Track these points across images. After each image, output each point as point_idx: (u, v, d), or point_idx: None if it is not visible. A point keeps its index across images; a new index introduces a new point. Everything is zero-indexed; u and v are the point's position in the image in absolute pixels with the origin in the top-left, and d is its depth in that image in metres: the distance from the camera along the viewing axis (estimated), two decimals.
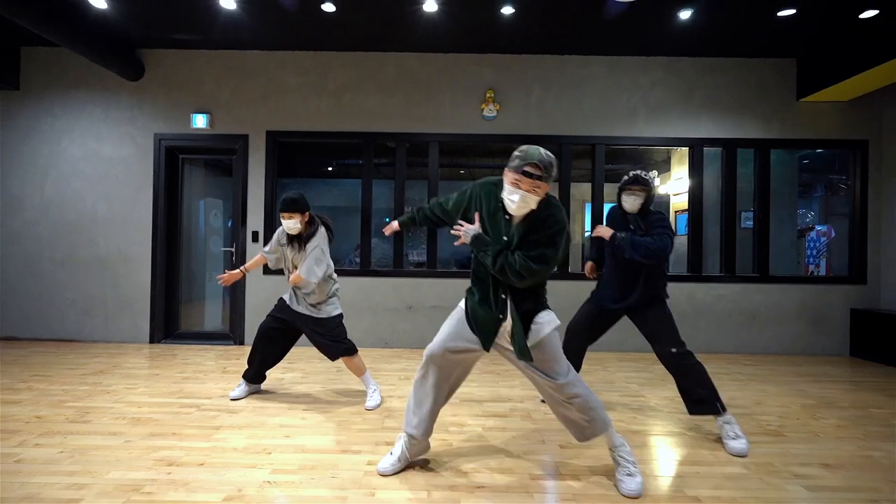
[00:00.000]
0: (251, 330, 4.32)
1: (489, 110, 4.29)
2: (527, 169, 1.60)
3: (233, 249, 4.43)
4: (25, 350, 3.92)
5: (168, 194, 4.41)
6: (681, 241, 5.62)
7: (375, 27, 3.88)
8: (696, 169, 4.41)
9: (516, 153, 1.66)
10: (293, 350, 3.12)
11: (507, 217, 1.73)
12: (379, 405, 2.70)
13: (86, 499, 1.65)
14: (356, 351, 2.73)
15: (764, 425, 2.51)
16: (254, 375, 2.84)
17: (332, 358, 2.71)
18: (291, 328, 2.75)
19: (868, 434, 2.42)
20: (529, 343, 1.74)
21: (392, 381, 3.23)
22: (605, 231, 2.40)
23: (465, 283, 1.98)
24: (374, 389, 2.77)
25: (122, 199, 4.33)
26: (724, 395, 3.04)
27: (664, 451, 2.17)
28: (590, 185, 4.44)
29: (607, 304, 2.44)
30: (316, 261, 2.58)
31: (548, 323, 1.77)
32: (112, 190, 4.34)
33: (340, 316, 2.75)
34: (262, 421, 2.44)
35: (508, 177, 1.66)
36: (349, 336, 2.77)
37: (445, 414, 2.58)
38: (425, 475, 1.88)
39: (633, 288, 2.35)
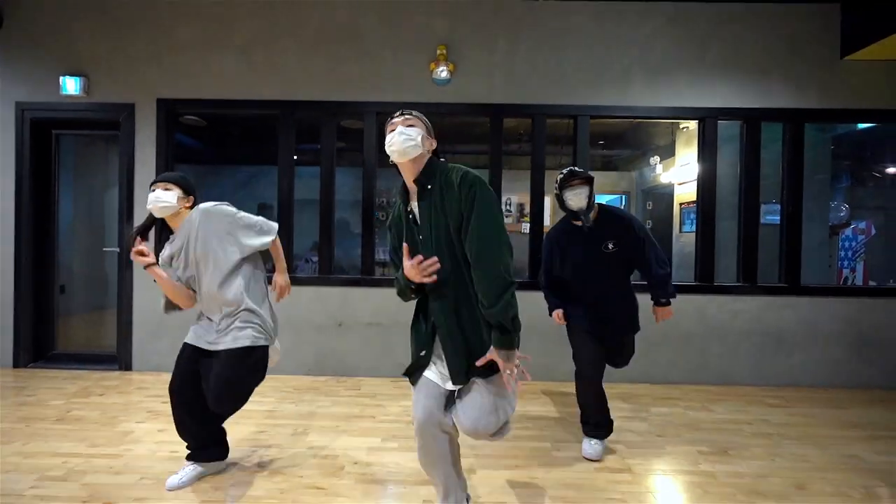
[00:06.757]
0: (140, 353, 3.42)
1: (441, 72, 3.32)
2: None
3: (118, 250, 3.52)
4: None
5: (35, 180, 3.49)
6: (688, 241, 4.65)
7: None
8: (708, 149, 3.43)
9: None
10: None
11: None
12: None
13: None
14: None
15: None
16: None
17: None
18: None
19: None
20: None
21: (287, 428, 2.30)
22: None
23: None
24: None
25: None
26: (745, 464, 2.11)
27: None
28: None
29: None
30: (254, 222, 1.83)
31: None
32: None
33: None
34: None
35: None
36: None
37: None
38: None
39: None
